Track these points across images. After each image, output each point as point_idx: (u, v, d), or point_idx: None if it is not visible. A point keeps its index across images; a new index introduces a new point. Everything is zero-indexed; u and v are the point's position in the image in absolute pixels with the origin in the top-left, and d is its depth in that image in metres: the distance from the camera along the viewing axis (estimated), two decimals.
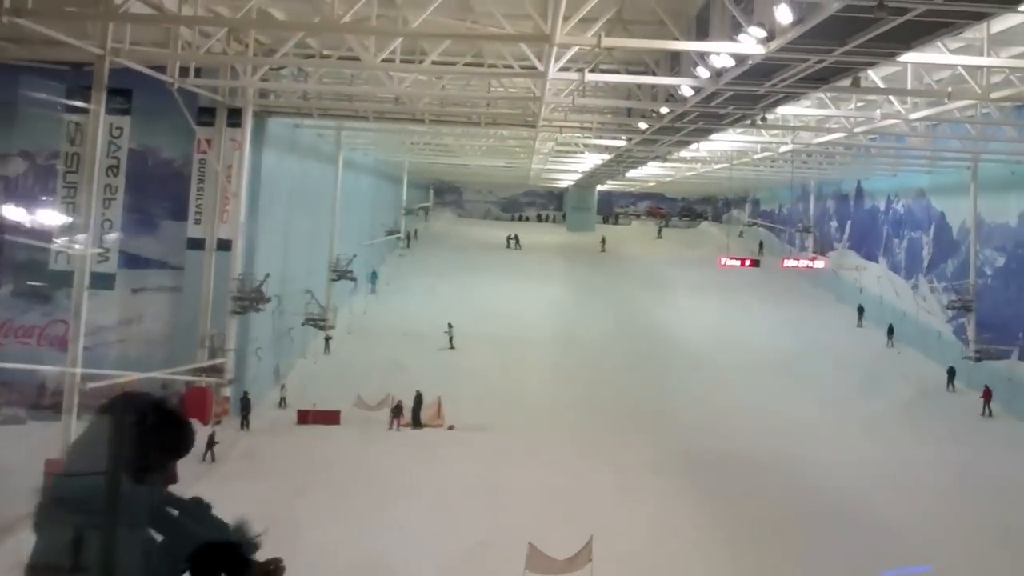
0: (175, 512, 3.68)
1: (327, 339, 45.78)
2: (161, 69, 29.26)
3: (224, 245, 34.76)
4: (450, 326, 48.35)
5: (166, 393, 33.54)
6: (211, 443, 30.59)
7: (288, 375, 40.79)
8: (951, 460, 33.94)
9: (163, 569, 3.55)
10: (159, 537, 3.62)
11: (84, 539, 3.37)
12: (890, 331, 53.30)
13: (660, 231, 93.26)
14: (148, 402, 3.66)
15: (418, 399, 36.64)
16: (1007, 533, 26.80)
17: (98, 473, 3.41)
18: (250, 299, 34.48)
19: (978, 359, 42.10)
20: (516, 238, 79.70)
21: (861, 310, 57.94)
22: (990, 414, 41.07)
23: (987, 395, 41.31)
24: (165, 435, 3.62)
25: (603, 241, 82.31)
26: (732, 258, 44.65)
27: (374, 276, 60.56)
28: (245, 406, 34.69)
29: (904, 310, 53.99)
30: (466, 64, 28.00)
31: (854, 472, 32.38)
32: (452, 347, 47.72)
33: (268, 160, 37.71)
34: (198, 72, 30.99)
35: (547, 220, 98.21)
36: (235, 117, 34.83)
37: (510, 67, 26.11)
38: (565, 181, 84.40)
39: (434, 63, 26.22)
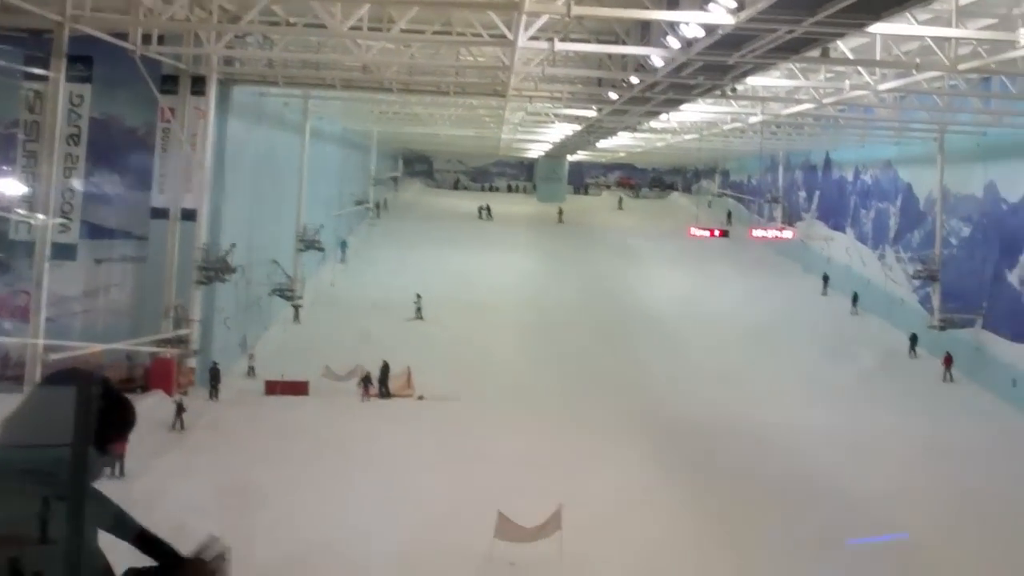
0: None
1: (296, 308, 45.67)
2: (123, 36, 28.61)
3: (189, 215, 34.39)
4: (418, 296, 48.15)
5: (131, 364, 33.43)
6: (180, 411, 30.72)
7: (256, 345, 40.56)
8: (914, 426, 34.31)
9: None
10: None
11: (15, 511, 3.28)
12: (855, 299, 53.99)
13: (621, 202, 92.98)
14: (88, 377, 3.53)
15: (385, 369, 36.45)
16: (968, 497, 27.14)
17: (31, 446, 3.30)
18: (215, 269, 34.17)
19: (943, 328, 42.48)
20: (488, 208, 79.61)
21: (826, 279, 58.59)
22: (951, 379, 41.80)
23: (948, 361, 42.03)
24: (104, 411, 3.49)
25: (560, 212, 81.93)
26: (701, 228, 44.68)
27: (344, 245, 60.48)
28: (214, 376, 34.51)
29: (870, 279, 54.39)
30: (435, 32, 27.69)
31: (820, 438, 32.59)
32: (420, 318, 47.56)
33: (233, 129, 37.32)
34: (161, 39, 30.35)
35: (517, 190, 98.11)
36: (199, 85, 34.38)
37: (479, 36, 25.90)
38: (535, 151, 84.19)
39: (402, 31, 25.90)
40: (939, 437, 33.12)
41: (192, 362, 34.47)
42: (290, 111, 46.49)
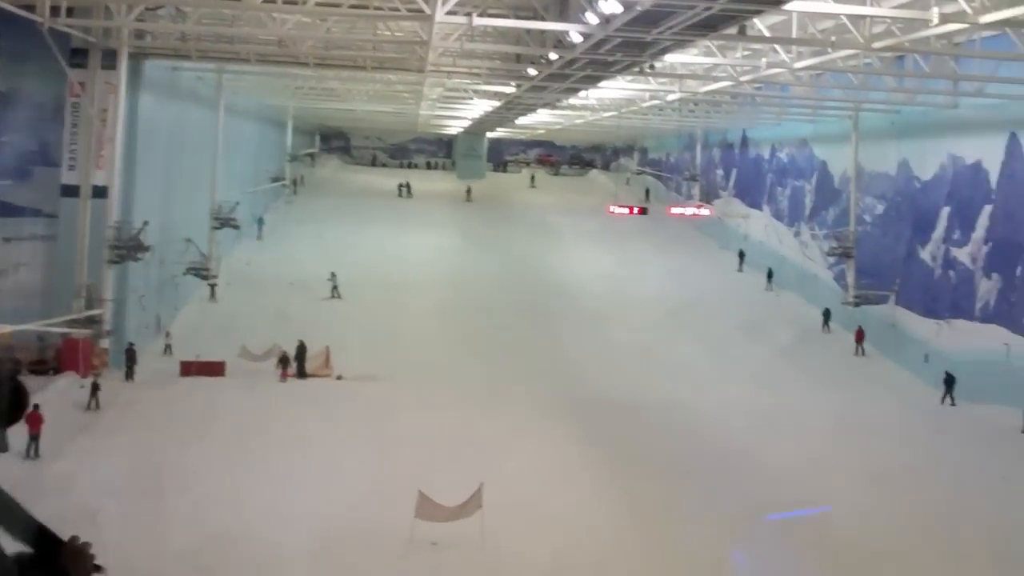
0: None
1: (212, 287, 45.11)
2: (30, 8, 27.59)
3: (100, 192, 33.59)
4: (333, 275, 47.71)
5: (42, 345, 32.58)
6: (95, 390, 30.33)
7: (171, 325, 39.83)
8: (828, 400, 35.04)
9: None
10: None
11: None
12: (769, 275, 54.84)
13: (533, 179, 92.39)
14: None
15: (301, 348, 35.97)
16: (883, 470, 27.70)
17: None
18: (128, 248, 33.43)
19: (857, 304, 43.22)
20: (408, 186, 79.10)
21: (742, 255, 59.36)
22: (863, 353, 42.74)
23: (860, 336, 42.98)
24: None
25: (468, 191, 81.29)
26: (620, 206, 44.84)
27: (260, 222, 60.04)
28: (130, 357, 33.93)
29: (786, 256, 55.18)
30: (351, 6, 27.19)
31: (736, 413, 33.12)
32: (335, 296, 47.12)
33: (146, 104, 36.54)
34: (70, 11, 29.26)
35: (437, 167, 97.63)
36: (110, 59, 33.47)
37: (396, 10, 25.45)
38: (454, 128, 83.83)
39: (318, 4, 25.50)
40: (852, 412, 33.79)
41: (105, 343, 33.68)
42: (204, 86, 45.66)
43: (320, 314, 43.49)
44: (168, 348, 37.75)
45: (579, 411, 32.65)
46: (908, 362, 39.68)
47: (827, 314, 46.41)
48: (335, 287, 47.40)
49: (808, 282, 51.25)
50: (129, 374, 33.69)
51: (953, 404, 34.85)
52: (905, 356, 40.18)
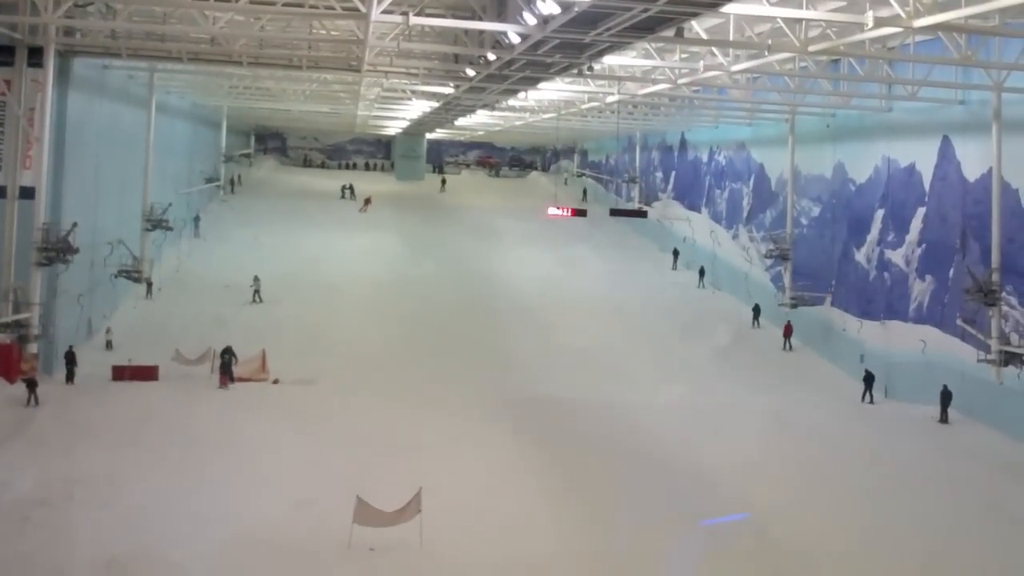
0: None
1: (149, 284, 45.13)
2: None
3: (27, 193, 32.66)
4: (256, 279, 47.15)
5: None
6: (32, 387, 30.62)
7: (103, 328, 39.12)
8: (763, 400, 35.30)
9: None
10: None
11: None
12: (701, 273, 56.51)
13: (443, 184, 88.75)
14: None
15: (227, 352, 35.28)
16: (816, 468, 28.10)
17: None
18: (56, 250, 32.62)
19: (794, 306, 43.73)
20: (351, 188, 78.31)
21: (676, 253, 59.94)
22: (790, 348, 44.01)
23: (787, 331, 44.22)
24: None
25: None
26: (557, 207, 44.80)
27: (197, 220, 60.39)
28: (70, 360, 33.71)
29: (725, 258, 55.60)
30: (285, 4, 26.78)
31: (673, 412, 33.36)
32: (259, 300, 46.50)
33: (75, 103, 35.78)
34: None
35: (375, 168, 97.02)
36: (37, 56, 32.58)
37: (332, 8, 25.13)
38: (393, 129, 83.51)
39: (251, 2, 25.10)
40: (788, 411, 34.09)
41: (34, 347, 32.87)
42: (135, 85, 44.87)
43: (257, 316, 42.98)
44: (109, 344, 38.23)
45: (518, 412, 32.56)
46: (844, 362, 40.05)
47: (756, 310, 47.69)
48: (257, 291, 46.77)
49: (746, 284, 51.63)
50: (70, 377, 33.47)
51: (872, 402, 36.00)
52: (841, 356, 40.56)
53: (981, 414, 32.43)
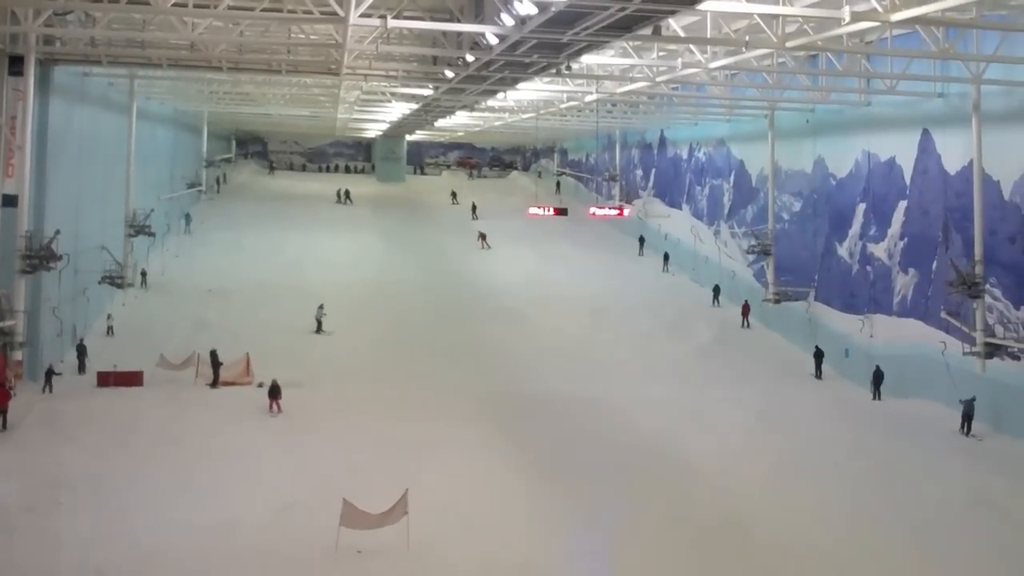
0: None
1: (143, 275, 47.77)
2: None
3: (10, 201, 32.59)
4: (320, 307, 44.13)
5: None
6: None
7: (86, 336, 38.91)
8: (751, 396, 35.39)
9: None
10: None
11: None
12: (666, 258, 59.67)
13: (454, 196, 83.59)
14: None
15: (213, 355, 35.27)
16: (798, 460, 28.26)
17: None
18: (39, 257, 32.57)
19: (777, 301, 43.81)
20: (347, 192, 78.11)
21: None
22: (748, 326, 47.37)
23: (745, 310, 47.60)
24: None
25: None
26: (539, 207, 44.90)
27: (188, 218, 62.21)
28: (50, 368, 33.64)
29: (705, 254, 55.79)
30: (264, 9, 26.79)
31: (660, 409, 33.56)
32: (322, 331, 43.42)
33: (56, 110, 35.75)
34: None
35: (356, 171, 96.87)
36: (17, 65, 32.51)
37: (310, 13, 25.16)
38: (373, 131, 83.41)
39: (230, 7, 25.03)
40: (775, 406, 34.38)
41: (19, 355, 32.80)
42: (116, 92, 44.79)
43: (241, 321, 42.84)
44: (110, 330, 40.41)
45: (503, 411, 32.67)
46: (828, 358, 40.11)
47: (716, 290, 51.27)
48: (320, 320, 43.80)
49: (728, 280, 51.84)
50: (47, 386, 33.22)
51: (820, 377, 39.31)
52: (826, 352, 40.69)
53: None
